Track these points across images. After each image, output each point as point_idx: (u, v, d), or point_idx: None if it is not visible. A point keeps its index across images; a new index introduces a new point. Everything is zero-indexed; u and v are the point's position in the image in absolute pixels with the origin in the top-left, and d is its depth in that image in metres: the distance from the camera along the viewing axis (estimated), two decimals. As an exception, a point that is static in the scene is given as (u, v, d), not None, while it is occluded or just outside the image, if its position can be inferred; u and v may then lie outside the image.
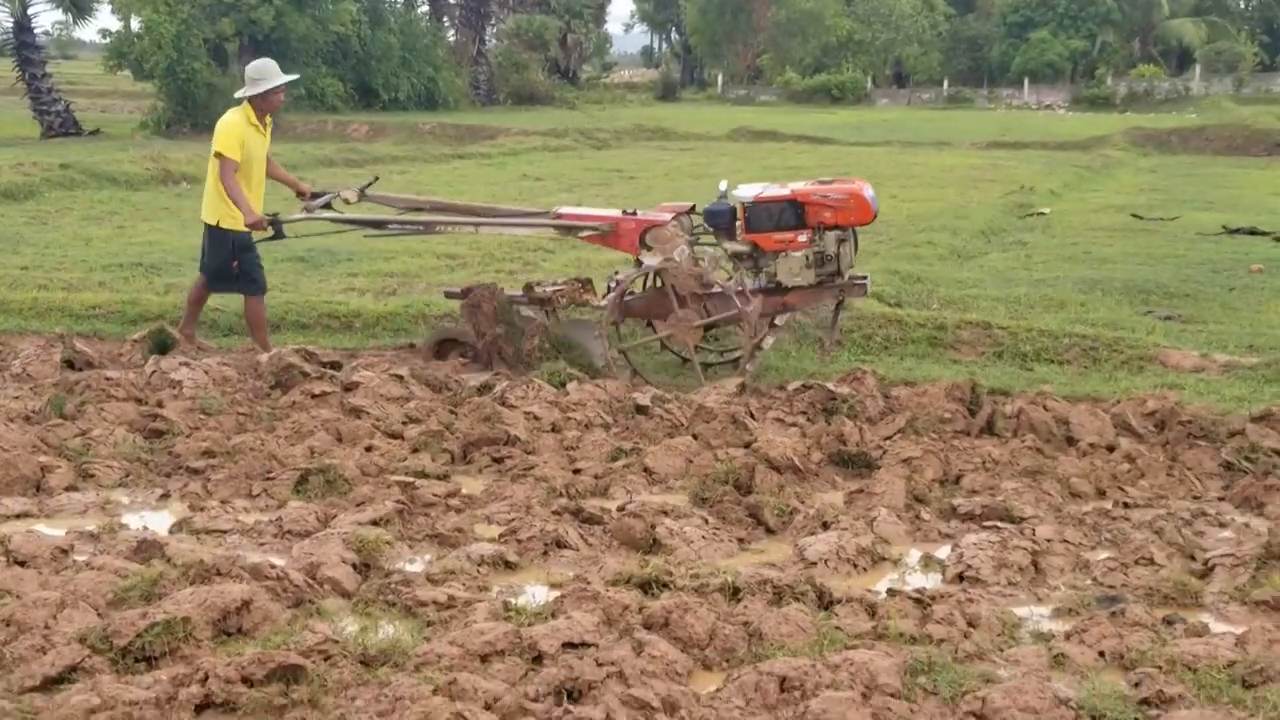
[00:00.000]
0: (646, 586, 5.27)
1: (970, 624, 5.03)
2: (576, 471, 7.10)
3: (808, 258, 8.88)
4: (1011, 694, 4.23)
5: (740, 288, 8.77)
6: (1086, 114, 51.32)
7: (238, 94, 9.55)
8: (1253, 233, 16.45)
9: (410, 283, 12.45)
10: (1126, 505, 6.68)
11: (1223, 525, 6.39)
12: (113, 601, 4.95)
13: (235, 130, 9.31)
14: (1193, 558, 5.88)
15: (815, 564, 5.70)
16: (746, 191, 9.07)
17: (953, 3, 72.17)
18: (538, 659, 4.53)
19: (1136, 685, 4.45)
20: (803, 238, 8.86)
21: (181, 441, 7.30)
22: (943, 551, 6.00)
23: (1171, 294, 12.06)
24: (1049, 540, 6.00)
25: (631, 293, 9.17)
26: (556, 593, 5.25)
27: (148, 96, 41.52)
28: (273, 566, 5.26)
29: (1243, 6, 74.18)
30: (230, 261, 9.49)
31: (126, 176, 21.56)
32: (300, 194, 9.83)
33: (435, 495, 6.54)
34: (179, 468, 7.04)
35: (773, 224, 8.89)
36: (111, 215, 17.75)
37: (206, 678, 4.24)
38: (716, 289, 8.81)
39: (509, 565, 5.70)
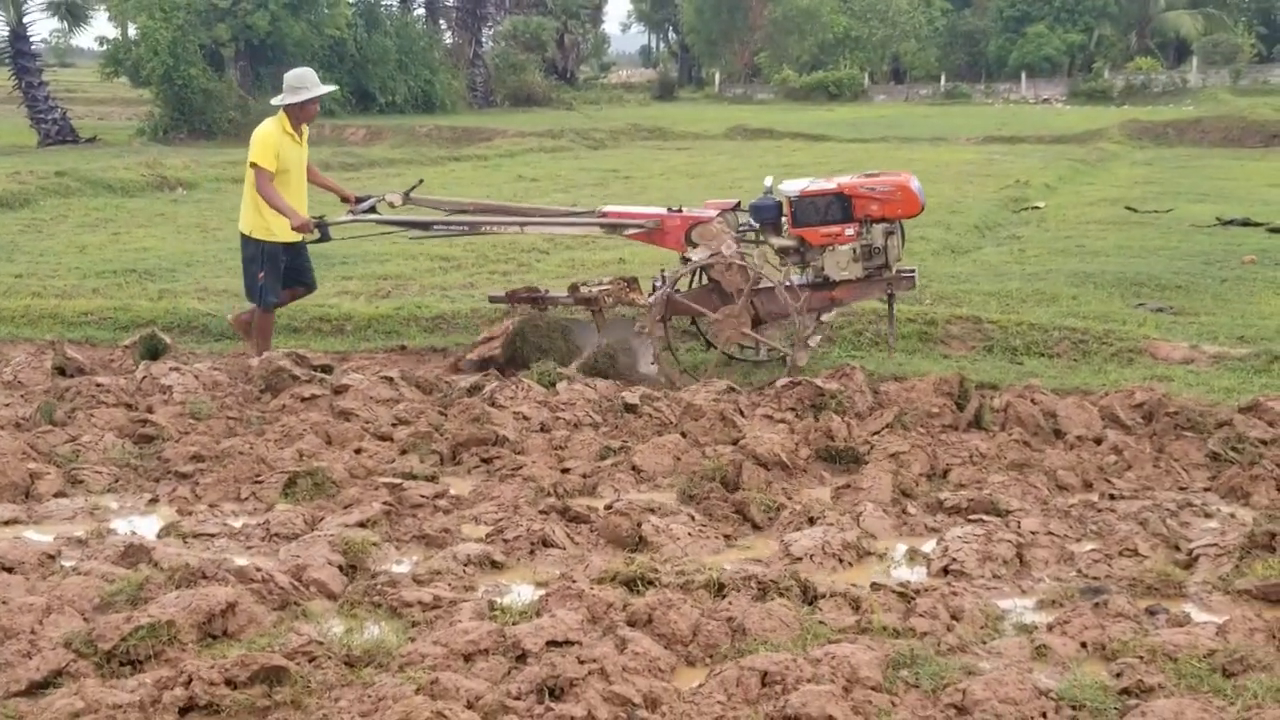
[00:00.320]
0: (632, 584, 5.29)
1: (954, 617, 5.04)
2: (565, 471, 7.12)
3: (855, 251, 8.84)
4: (992, 685, 4.25)
5: (788, 283, 8.75)
6: (1084, 108, 51.27)
7: (275, 100, 9.55)
8: (1246, 224, 16.45)
9: (404, 285, 12.48)
10: (1113, 497, 6.70)
11: (1208, 516, 6.40)
12: (99, 606, 4.97)
13: (270, 140, 9.30)
14: (1177, 548, 5.89)
15: (800, 559, 5.72)
16: (792, 186, 9.03)
17: (949, -3, 72.24)
18: (521, 658, 4.55)
19: (1117, 675, 4.47)
20: (850, 231, 8.82)
21: (171, 446, 7.32)
22: (928, 545, 6.01)
23: (1163, 286, 12.06)
24: (1034, 533, 6.01)
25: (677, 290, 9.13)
26: (542, 592, 5.26)
27: (145, 103, 41.61)
28: (258, 569, 5.27)
29: (1240, -2, 74.19)
30: (257, 272, 9.48)
31: (122, 183, 21.60)
32: (345, 199, 9.79)
33: (423, 496, 6.55)
34: (168, 472, 7.06)
35: (819, 218, 8.85)
36: (107, 222, 17.78)
37: (190, 680, 4.25)
38: (764, 284, 8.81)
39: (495, 565, 5.72)
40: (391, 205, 9.62)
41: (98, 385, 8.24)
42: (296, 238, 9.45)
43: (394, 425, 7.82)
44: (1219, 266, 13.20)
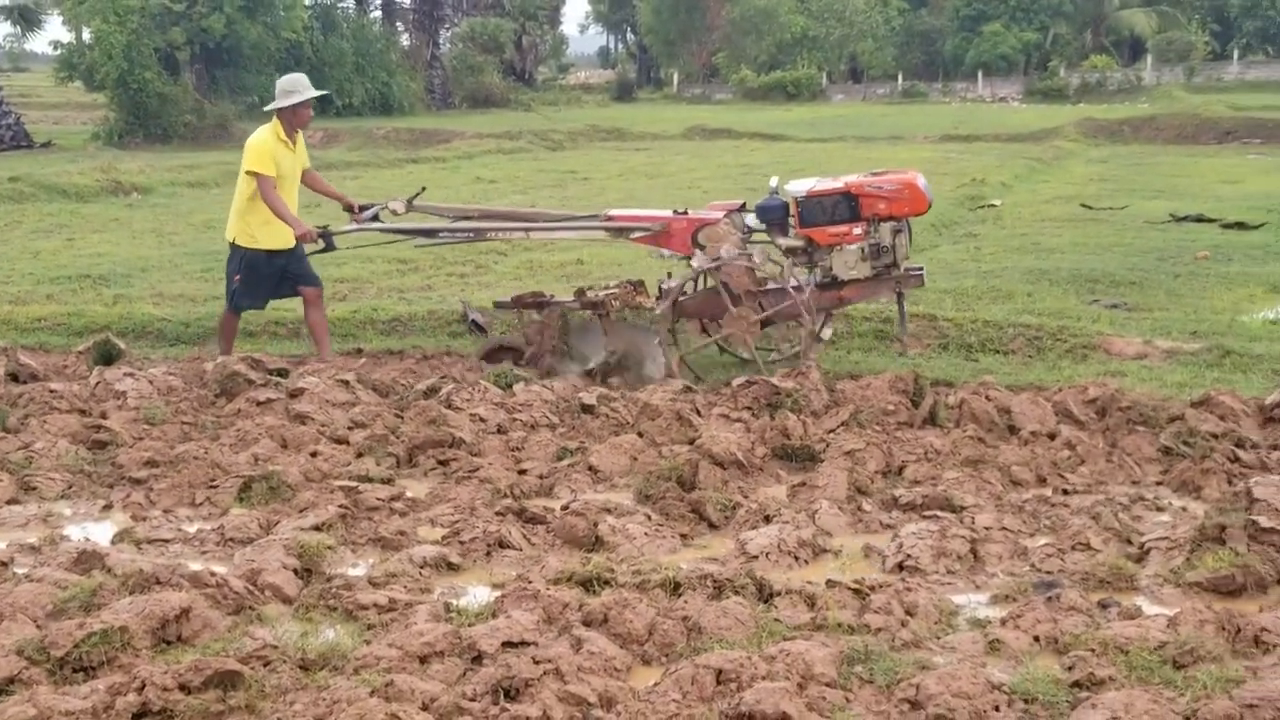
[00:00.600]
0: (588, 584, 5.30)
1: (908, 613, 5.07)
2: (522, 472, 7.12)
3: (863, 250, 8.85)
4: (945, 680, 4.27)
5: (795, 282, 8.74)
6: (1040, 106, 51.56)
7: (268, 107, 9.51)
8: (1199, 220, 16.61)
9: (360, 288, 12.45)
10: (1066, 492, 6.75)
11: (1160, 509, 6.47)
12: (52, 613, 4.94)
13: (265, 147, 9.25)
14: (1129, 542, 5.94)
15: (756, 558, 5.74)
16: (799, 186, 9.04)
17: (906, -3, 72.48)
18: (477, 659, 4.55)
19: (1069, 668, 4.51)
20: (858, 230, 8.83)
21: (125, 452, 7.29)
22: (883, 542, 6.04)
23: (1118, 282, 12.16)
24: (988, 528, 6.06)
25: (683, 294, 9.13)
26: (498, 593, 5.27)
27: (99, 107, 41.29)
28: (213, 574, 5.25)
29: (1193, -5, 74.74)
30: (234, 275, 9.44)
31: (76, 188, 21.46)
32: (348, 208, 9.71)
33: (379, 499, 6.53)
34: (122, 478, 7.02)
35: (827, 218, 8.86)
36: (61, 228, 17.67)
37: (144, 686, 4.23)
38: (772, 285, 8.82)
39: (451, 567, 5.72)
40: (394, 213, 9.53)
41: (51, 391, 8.18)
42: (281, 246, 9.36)
43: (350, 428, 7.80)
44: (1172, 263, 13.32)
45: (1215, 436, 7.26)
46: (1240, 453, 7.12)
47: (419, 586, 5.46)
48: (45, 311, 11.04)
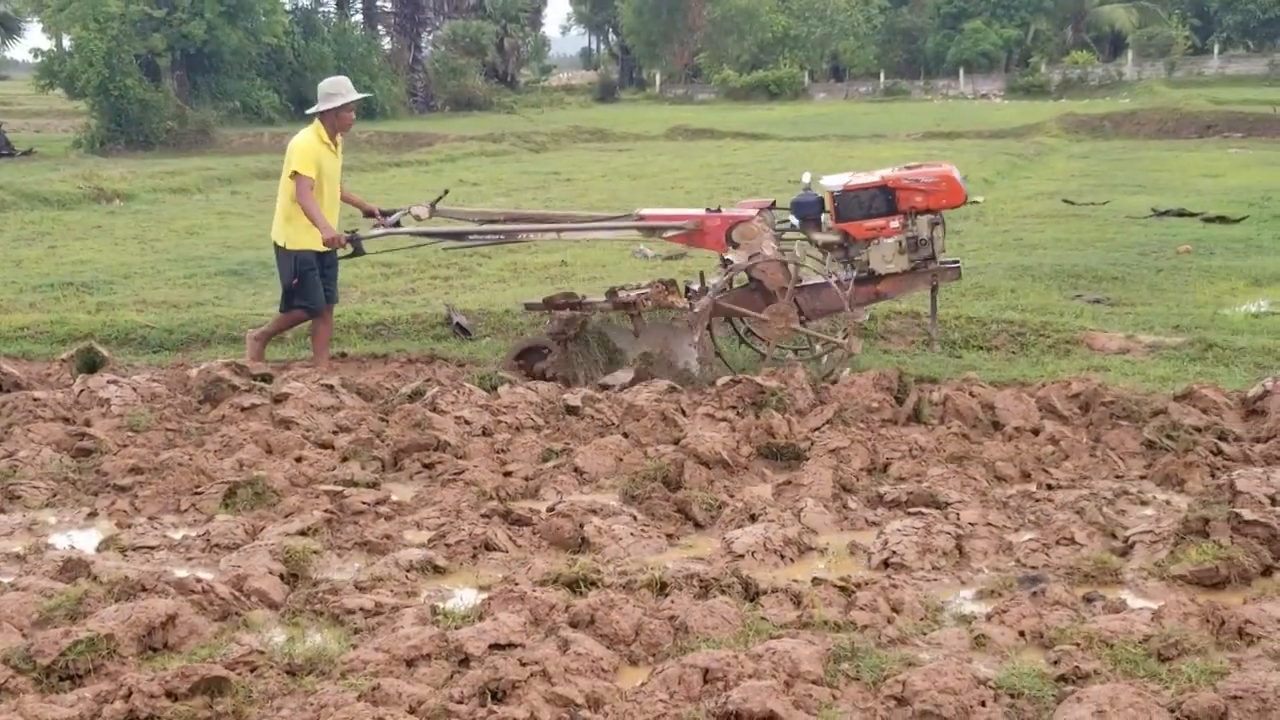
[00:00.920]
0: (574, 585, 5.30)
1: (894, 609, 5.09)
2: (507, 474, 7.12)
3: (901, 244, 8.82)
4: (931, 676, 4.28)
5: (836, 276, 8.72)
6: (1022, 102, 51.71)
7: (310, 110, 9.49)
8: (1181, 214, 16.67)
9: (344, 292, 12.39)
10: (1050, 487, 6.77)
11: (1144, 503, 6.49)
12: (37, 621, 4.93)
13: (310, 149, 9.27)
14: (1114, 536, 5.97)
15: (742, 556, 5.75)
16: (834, 181, 9.02)
17: (887, -5, 72.58)
18: (464, 661, 4.56)
19: (1055, 663, 4.53)
20: (895, 223, 8.82)
21: (109, 459, 7.27)
22: (869, 539, 6.05)
23: (1100, 277, 12.20)
24: (973, 524, 6.08)
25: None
26: (484, 595, 5.27)
27: (80, 115, 41.18)
28: (199, 580, 5.26)
29: (1173, -10, 74.99)
30: (291, 279, 9.43)
31: (59, 196, 21.41)
32: (369, 214, 9.70)
33: (364, 503, 6.54)
34: (106, 486, 7.00)
35: (864, 211, 8.84)
36: (43, 235, 17.62)
37: (130, 693, 4.23)
38: (812, 281, 8.82)
39: (438, 570, 5.72)
40: (418, 218, 9.46)
41: (34, 400, 8.16)
42: (323, 248, 9.38)
43: (335, 433, 7.80)
44: (1154, 257, 13.37)
45: (1198, 430, 7.29)
46: (1223, 446, 7.16)
47: (405, 590, 5.46)
48: (28, 320, 11.01)
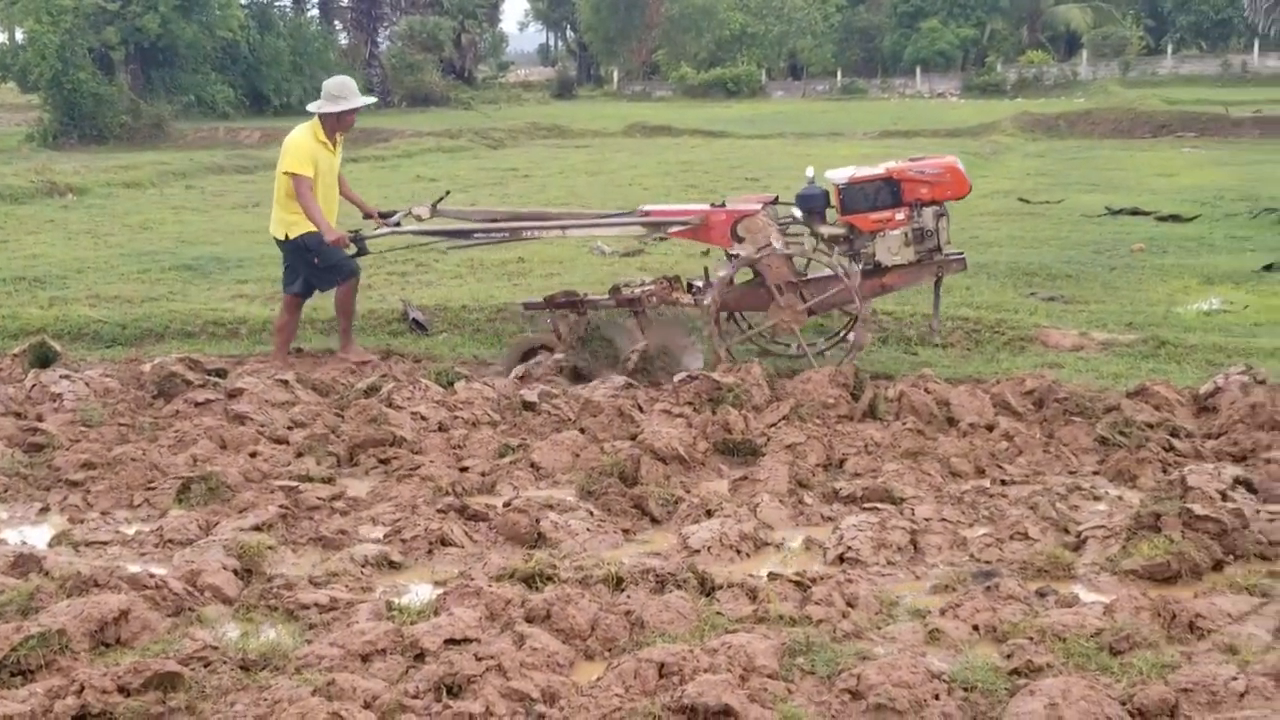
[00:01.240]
0: (530, 581, 5.29)
1: (849, 604, 5.11)
2: (463, 470, 7.11)
3: (907, 235, 8.81)
4: (886, 670, 4.30)
5: (844, 269, 8.72)
6: (978, 101, 51.90)
7: (310, 106, 9.42)
8: (1135, 213, 16.79)
9: (300, 287, 12.35)
10: (1004, 483, 6.82)
11: (1096, 499, 6.55)
12: (-12, 617, 4.90)
13: (304, 147, 9.20)
14: (1066, 531, 6.02)
15: (698, 551, 5.77)
16: (839, 174, 9.00)
17: (844, -6, 72.79)
18: (419, 656, 4.55)
19: (1008, 656, 4.56)
20: (900, 215, 8.80)
21: (61, 454, 7.22)
22: (824, 534, 6.07)
23: (1054, 275, 12.28)
24: (928, 519, 6.11)
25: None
26: (440, 590, 5.25)
27: (33, 108, 40.79)
28: (152, 576, 5.22)
29: (1127, -10, 75.58)
30: (311, 261, 9.37)
31: (11, 190, 21.16)
32: (368, 215, 9.62)
33: (319, 499, 6.52)
34: (59, 481, 6.95)
35: (869, 204, 8.81)
36: (-5, 230, 17.44)
37: (82, 689, 4.21)
38: (819, 274, 8.82)
39: (393, 565, 5.71)
40: (419, 218, 9.38)
41: (-14, 395, 8.09)
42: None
43: (290, 428, 7.76)
44: (1108, 255, 13.46)
45: (1150, 426, 7.35)
46: (1175, 442, 7.22)
47: (360, 585, 5.45)
48: (-22, 315, 10.91)
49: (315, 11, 56.55)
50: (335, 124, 9.38)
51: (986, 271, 12.28)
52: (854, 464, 7.10)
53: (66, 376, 8.45)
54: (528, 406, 8.05)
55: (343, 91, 9.33)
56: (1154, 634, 4.71)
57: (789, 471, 6.85)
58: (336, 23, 57.19)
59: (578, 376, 8.81)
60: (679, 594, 5.08)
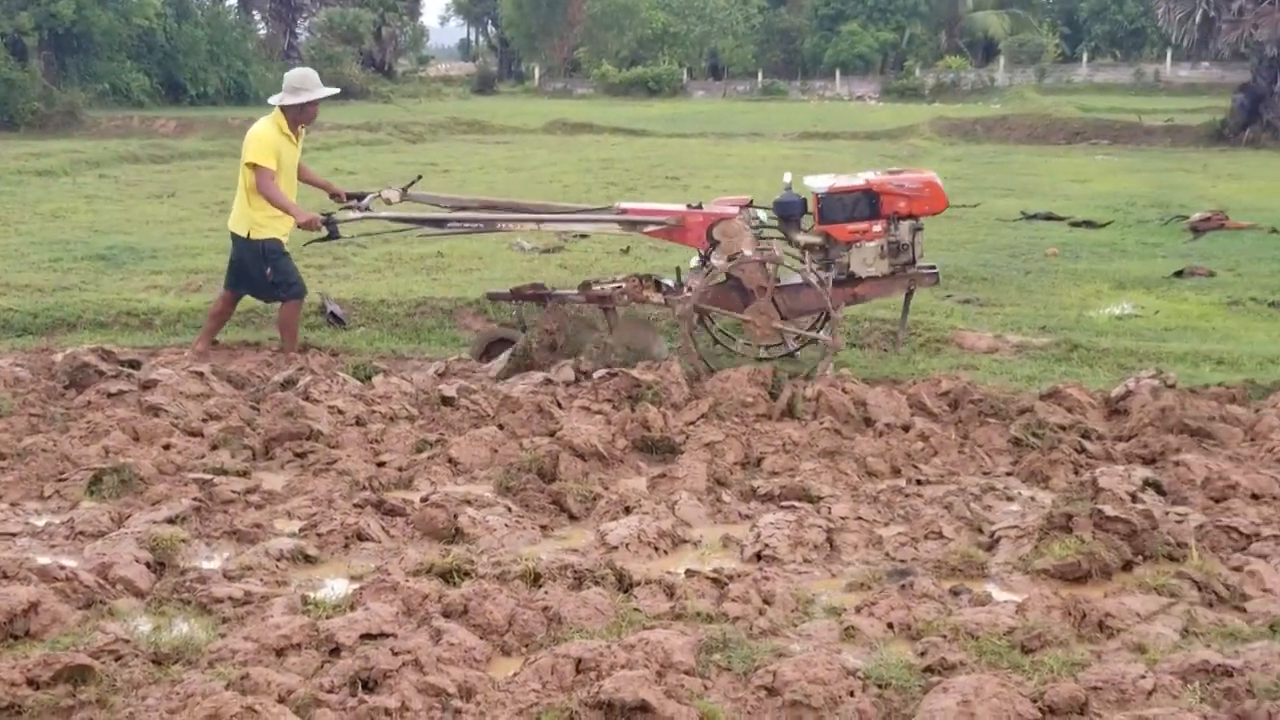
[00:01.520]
0: (448, 576, 5.27)
1: (765, 601, 5.14)
2: (380, 464, 7.06)
3: (882, 248, 8.84)
4: (801, 667, 4.33)
5: (817, 276, 8.70)
6: (896, 104, 52.32)
7: (272, 99, 9.28)
8: (1049, 218, 17.02)
9: (216, 279, 12.18)
10: (920, 482, 6.88)
11: (1010, 499, 6.61)
12: (-108, 610, 4.80)
13: (267, 139, 9.09)
14: (980, 530, 6.08)
15: (616, 548, 5.76)
16: (819, 182, 9.00)
17: (766, -4, 73.12)
18: (334, 651, 4.51)
19: (922, 654, 4.60)
20: (877, 228, 8.82)
21: (-32, 445, 7.09)
22: (742, 532, 6.10)
23: (970, 278, 12.40)
24: (844, 518, 6.15)
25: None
26: (356, 585, 5.22)
27: (-56, 94, 40.05)
28: (62, 568, 5.15)
29: (1044, -1, 76.58)
30: (264, 270, 9.25)
31: (-82, 178, 20.81)
32: (334, 196, 9.51)
33: (234, 492, 6.45)
34: (-35, 472, 6.83)
35: (847, 214, 8.83)
36: (-99, 216, 17.11)
37: (-10, 682, 4.14)
38: (791, 281, 8.82)
39: (309, 559, 5.67)
40: (388, 202, 9.27)
41: (-109, 383, 7.94)
42: (286, 235, 9.27)
43: (204, 420, 7.67)
44: (1023, 259, 13.64)
45: (1063, 428, 7.45)
46: (1087, 444, 7.32)
47: (275, 579, 5.40)
48: (-116, 302, 10.69)
49: (233, 1, 55.97)
50: (298, 115, 9.29)
51: (904, 273, 12.36)
52: (772, 462, 7.13)
53: (-26, 366, 8.30)
54: (446, 402, 8.02)
55: (304, 84, 9.25)
56: (1065, 633, 4.77)
57: (707, 469, 6.87)
58: (255, 13, 56.60)
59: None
60: (597, 590, 5.08)
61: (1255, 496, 6.45)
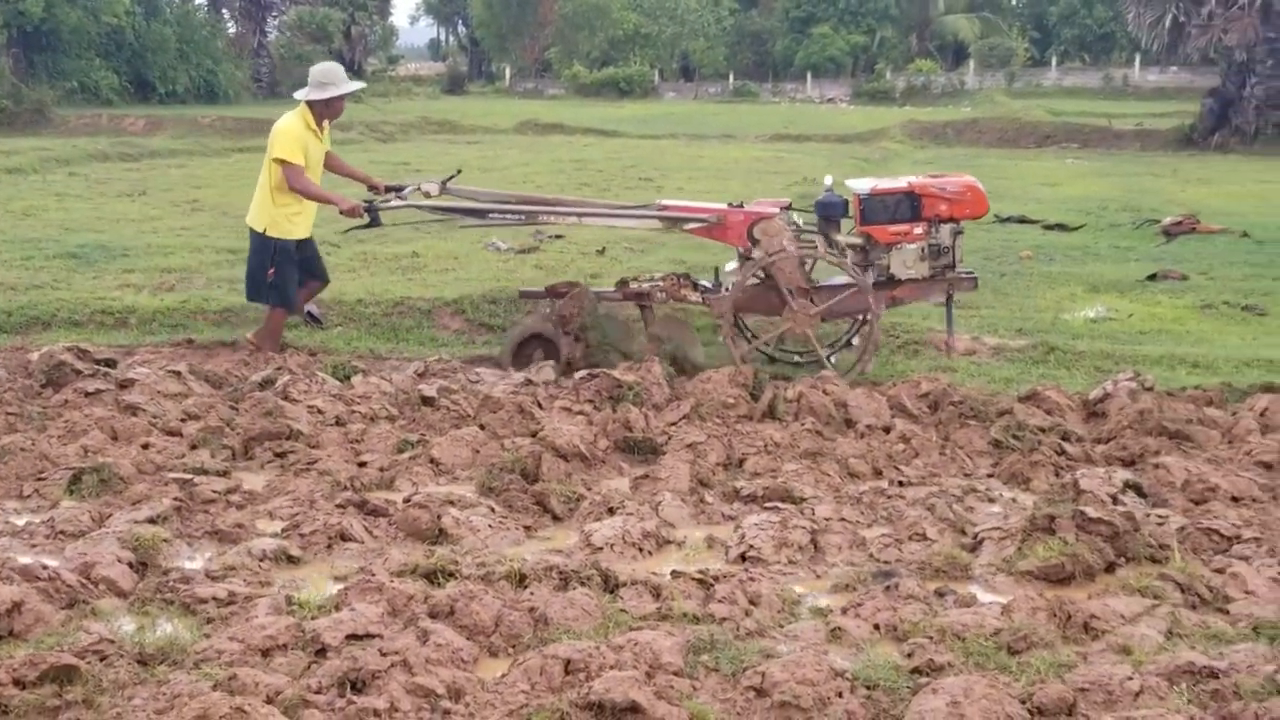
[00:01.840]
0: (432, 576, 5.26)
1: (752, 602, 5.14)
2: (362, 464, 7.03)
3: (923, 250, 8.87)
4: (790, 668, 4.33)
5: (859, 277, 8.75)
6: (867, 108, 52.45)
7: (298, 94, 9.25)
8: (1022, 221, 17.10)
9: (189, 278, 12.15)
10: (901, 484, 6.90)
11: (991, 501, 6.64)
12: (-128, 611, 4.76)
13: (294, 134, 9.07)
14: (963, 532, 6.11)
15: (601, 549, 5.76)
16: (861, 184, 9.03)
17: (737, -2, 73.23)
18: (321, 651, 4.49)
19: (909, 655, 4.60)
20: (918, 230, 8.85)
21: (-55, 444, 7.03)
22: (726, 533, 6.10)
23: (946, 280, 12.42)
24: (828, 519, 6.16)
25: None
26: (340, 586, 5.20)
27: (-88, 91, 39.73)
28: (44, 567, 5.11)
29: (1014, 3, 76.83)
30: (266, 269, 9.19)
31: (-115, 174, 20.64)
32: (373, 188, 9.47)
33: (215, 492, 6.41)
34: (-57, 471, 6.77)
35: (889, 216, 8.86)
36: None
37: (-25, 682, 4.11)
38: (833, 280, 8.85)
39: (292, 560, 5.64)
40: (427, 194, 9.25)
41: None
42: (306, 235, 9.29)
43: (183, 420, 7.63)
44: (998, 262, 13.69)
45: (1042, 430, 7.49)
46: (1066, 446, 7.36)
47: (259, 580, 5.38)
48: None
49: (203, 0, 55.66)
50: (324, 110, 9.28)
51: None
52: (754, 463, 7.14)
53: (-50, 364, 8.24)
54: (426, 402, 7.99)
55: (330, 78, 9.23)
56: (1050, 634, 4.79)
57: (690, 470, 6.87)
58: (225, 11, 56.30)
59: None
60: (583, 591, 5.07)
61: (1235, 499, 6.50)
